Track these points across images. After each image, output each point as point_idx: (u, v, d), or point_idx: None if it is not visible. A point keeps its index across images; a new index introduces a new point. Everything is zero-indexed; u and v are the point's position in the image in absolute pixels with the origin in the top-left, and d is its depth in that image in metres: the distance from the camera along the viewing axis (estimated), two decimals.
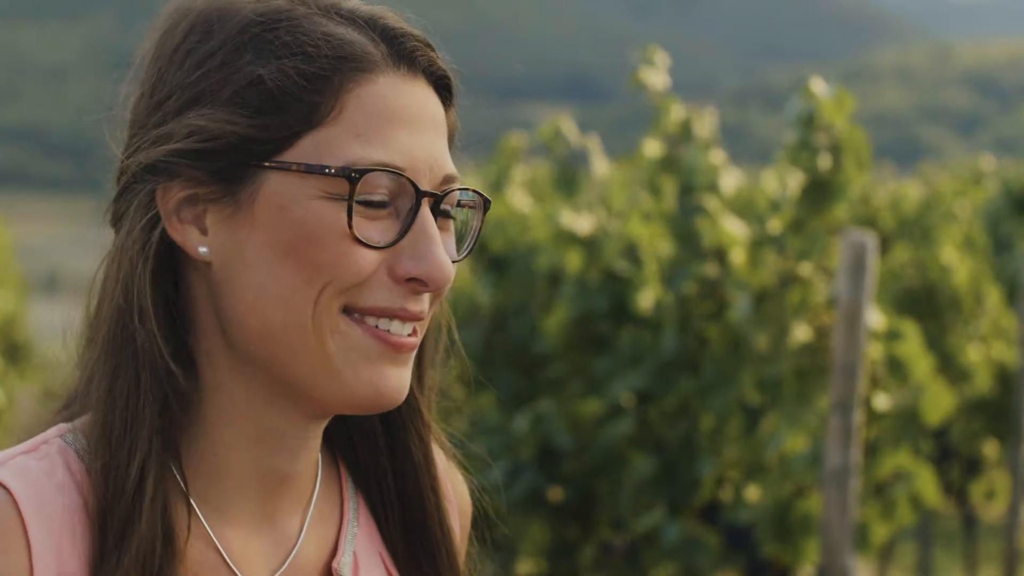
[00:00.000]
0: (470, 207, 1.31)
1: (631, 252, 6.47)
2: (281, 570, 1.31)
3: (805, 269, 5.30)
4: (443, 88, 1.30)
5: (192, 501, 1.26)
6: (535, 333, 6.94)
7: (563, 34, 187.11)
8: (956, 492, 10.19)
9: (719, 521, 6.06)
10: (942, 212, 9.21)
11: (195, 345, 1.27)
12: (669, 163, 6.18)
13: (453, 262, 1.28)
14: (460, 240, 1.31)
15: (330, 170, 1.21)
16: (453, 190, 1.27)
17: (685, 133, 6.18)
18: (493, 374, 7.10)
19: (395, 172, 1.22)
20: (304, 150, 1.22)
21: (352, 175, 1.21)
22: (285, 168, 1.22)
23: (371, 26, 1.26)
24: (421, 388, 1.38)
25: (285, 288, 1.22)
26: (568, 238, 6.56)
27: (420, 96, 1.26)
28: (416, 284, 1.24)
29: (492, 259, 7.28)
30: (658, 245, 6.44)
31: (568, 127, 7.06)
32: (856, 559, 4.89)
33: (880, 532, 5.18)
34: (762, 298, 5.37)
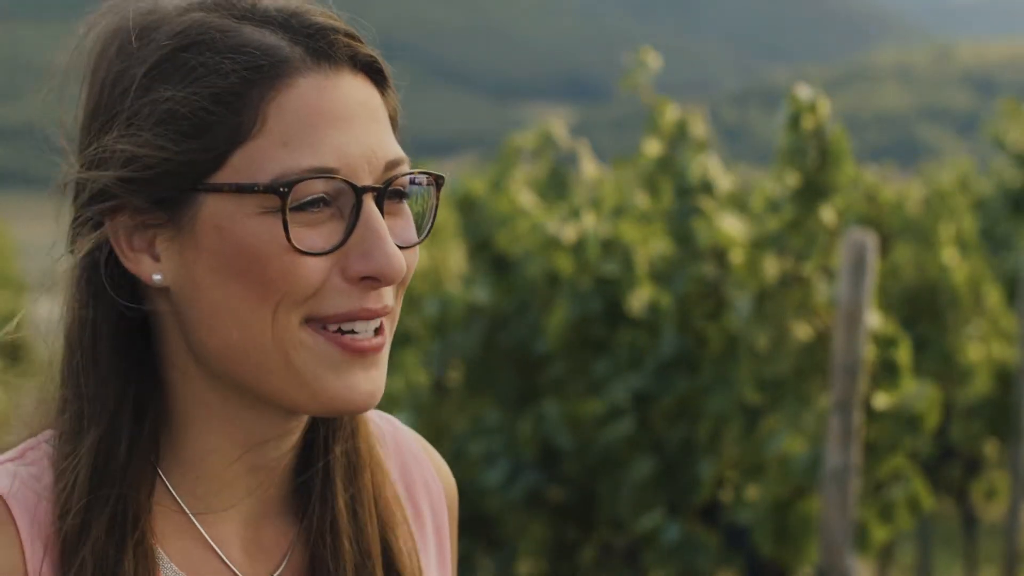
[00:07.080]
0: (425, 184, 1.29)
1: (623, 255, 6.44)
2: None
3: (805, 269, 5.30)
4: (374, 72, 1.28)
5: (184, 506, 1.28)
6: (536, 333, 6.93)
7: (563, 34, 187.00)
8: (956, 492, 10.17)
9: (719, 521, 6.06)
10: (941, 212, 9.20)
11: (168, 363, 1.28)
12: (665, 164, 6.19)
13: (412, 245, 1.27)
14: (419, 220, 1.29)
15: (259, 187, 1.20)
16: (396, 177, 1.25)
17: (680, 134, 6.19)
18: (494, 374, 7.09)
19: (327, 176, 1.21)
20: (235, 168, 1.21)
21: (281, 189, 1.20)
22: (217, 190, 1.21)
23: (287, 25, 1.24)
24: None
25: (239, 309, 1.22)
26: (555, 245, 6.55)
27: (347, 89, 1.24)
28: (370, 282, 1.23)
29: (493, 258, 7.26)
30: (654, 245, 6.42)
31: (559, 130, 7.05)
32: (856, 559, 4.89)
33: (879, 535, 5.18)
34: (762, 298, 5.37)
